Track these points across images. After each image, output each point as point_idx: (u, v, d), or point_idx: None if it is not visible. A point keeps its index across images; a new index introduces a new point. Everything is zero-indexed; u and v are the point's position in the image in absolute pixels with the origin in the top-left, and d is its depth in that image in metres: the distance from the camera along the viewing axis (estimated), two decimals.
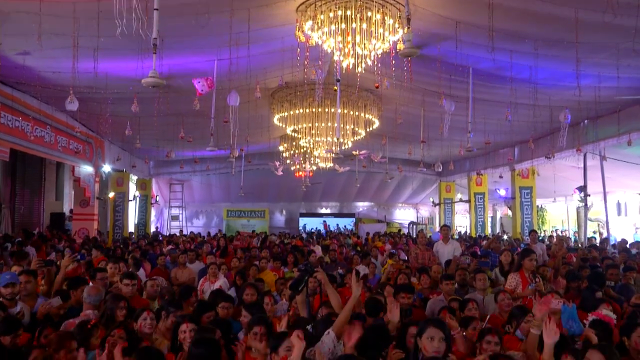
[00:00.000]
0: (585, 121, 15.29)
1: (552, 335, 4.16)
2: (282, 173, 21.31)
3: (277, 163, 21.03)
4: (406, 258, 13.43)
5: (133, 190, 24.51)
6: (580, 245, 17.45)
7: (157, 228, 28.88)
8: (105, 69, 10.85)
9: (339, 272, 10.05)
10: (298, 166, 21.06)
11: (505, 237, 23.04)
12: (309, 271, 5.53)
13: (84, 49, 9.53)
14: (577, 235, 22.91)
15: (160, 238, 22.02)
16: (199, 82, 10.83)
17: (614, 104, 13.36)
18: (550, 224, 28.92)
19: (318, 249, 15.27)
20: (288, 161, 20.93)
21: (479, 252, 13.41)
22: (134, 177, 24.54)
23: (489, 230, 25.59)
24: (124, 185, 22.94)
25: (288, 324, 5.06)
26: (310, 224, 32.64)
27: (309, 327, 5.06)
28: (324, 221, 32.73)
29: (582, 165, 17.32)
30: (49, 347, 4.46)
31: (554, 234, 23.83)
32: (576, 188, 18.38)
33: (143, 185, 25.88)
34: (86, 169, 18.68)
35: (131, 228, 24.05)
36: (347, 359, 3.81)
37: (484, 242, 16.18)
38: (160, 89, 10.96)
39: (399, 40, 8.02)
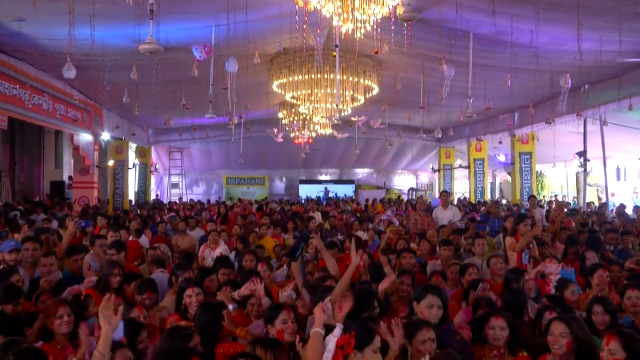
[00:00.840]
0: (586, 86, 15.19)
1: None
2: (281, 140, 21.27)
3: (276, 130, 20.96)
4: (397, 223, 13.49)
5: (132, 158, 24.47)
6: (579, 210, 17.52)
7: (157, 196, 28.94)
8: (102, 36, 10.73)
9: (338, 239, 10.11)
10: (297, 133, 21.01)
11: (503, 201, 23.13)
12: (304, 238, 5.56)
13: (79, 15, 9.40)
14: (575, 200, 22.98)
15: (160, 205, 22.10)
16: (197, 49, 10.74)
17: (615, 68, 13.26)
18: (549, 189, 28.96)
19: (318, 216, 15.33)
20: (287, 128, 20.87)
21: (477, 219, 13.48)
22: (133, 145, 24.48)
23: (488, 196, 25.64)
24: (123, 153, 22.90)
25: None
26: (310, 190, 32.70)
27: None
28: (325, 188, 32.78)
29: (582, 131, 17.28)
30: (44, 314, 4.47)
31: (553, 200, 23.88)
32: (576, 153, 18.36)
33: (142, 153, 25.84)
34: (85, 137, 18.63)
35: (131, 196, 24.10)
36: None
37: (483, 208, 16.24)
38: (157, 56, 10.86)
39: (398, 4, 7.91)
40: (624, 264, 7.09)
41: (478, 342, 4.32)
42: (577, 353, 3.87)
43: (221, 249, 9.17)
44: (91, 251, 7.14)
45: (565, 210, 15.69)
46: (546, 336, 3.97)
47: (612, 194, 20.54)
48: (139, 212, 16.75)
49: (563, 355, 3.87)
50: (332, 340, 3.37)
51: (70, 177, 21.89)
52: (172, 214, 15.89)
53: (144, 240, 10.41)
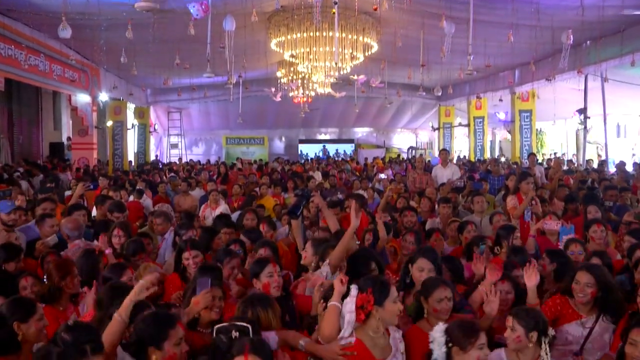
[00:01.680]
0: (588, 42, 15.02)
1: (533, 279, 4.12)
2: (279, 99, 21.14)
3: (274, 89, 20.81)
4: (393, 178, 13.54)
5: (131, 119, 24.37)
6: (578, 168, 17.55)
7: (156, 156, 28.92)
8: None
9: (338, 197, 10.14)
10: (296, 92, 20.87)
11: (503, 159, 23.13)
12: (305, 196, 5.58)
13: None
14: (575, 157, 23.00)
15: (161, 166, 22.14)
16: (194, 7, 10.58)
17: (617, 23, 13.08)
18: (549, 147, 28.94)
19: (318, 175, 15.36)
20: (286, 87, 20.72)
21: (476, 177, 13.50)
22: (131, 106, 24.35)
23: (487, 155, 25.63)
24: (121, 113, 22.79)
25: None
26: (310, 150, 32.68)
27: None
28: (324, 146, 32.71)
29: (583, 88, 17.17)
30: (52, 276, 4.46)
31: (553, 157, 23.89)
32: (576, 110, 18.30)
33: (141, 114, 25.73)
34: (83, 97, 18.52)
35: (131, 157, 24.09)
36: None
37: (482, 166, 16.28)
38: (154, 14, 10.71)
39: None
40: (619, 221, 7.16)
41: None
42: (599, 300, 4.09)
43: (222, 208, 9.22)
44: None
45: (565, 167, 15.73)
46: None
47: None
48: (140, 173, 16.77)
49: (587, 303, 4.09)
50: (350, 302, 3.35)
51: (69, 138, 21.85)
52: (172, 174, 15.92)
53: (148, 202, 10.47)
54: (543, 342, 3.44)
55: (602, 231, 6.05)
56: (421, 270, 4.25)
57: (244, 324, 3.16)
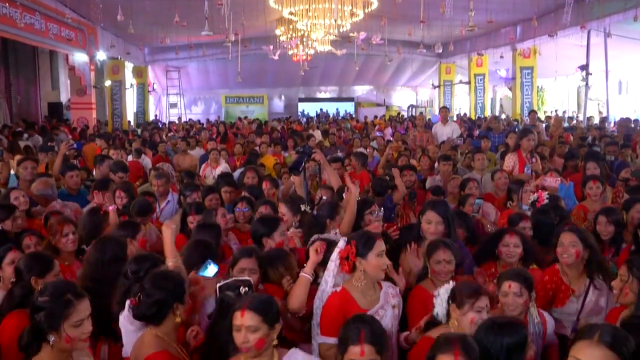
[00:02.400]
0: None
1: None
2: (277, 57, 20.93)
3: (272, 47, 20.57)
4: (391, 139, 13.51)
5: (129, 79, 24.18)
6: (579, 125, 17.50)
7: (155, 116, 28.81)
8: None
9: (338, 156, 10.15)
10: (296, 50, 20.65)
11: (503, 116, 23.04)
12: (307, 153, 5.56)
13: None
14: (574, 114, 22.92)
15: (160, 126, 22.09)
16: None
17: None
18: (550, 104, 28.80)
19: (317, 134, 15.33)
20: (285, 45, 20.49)
21: (475, 135, 13.48)
22: (129, 65, 24.12)
23: (488, 112, 25.53)
24: (119, 73, 22.61)
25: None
26: (310, 108, 32.53)
27: (308, 208, 5.13)
28: (321, 109, 32.48)
29: (585, 43, 16.98)
30: (51, 232, 4.53)
31: (554, 115, 23.81)
32: (578, 67, 18.14)
33: (139, 73, 25.51)
34: (80, 57, 18.34)
35: (130, 117, 23.98)
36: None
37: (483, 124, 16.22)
38: None
39: None
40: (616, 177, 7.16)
41: (491, 259, 4.40)
42: (586, 262, 4.03)
43: (222, 167, 9.23)
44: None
45: (565, 125, 15.69)
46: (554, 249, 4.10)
47: None
48: (139, 132, 16.72)
49: (572, 264, 4.01)
50: (336, 253, 3.46)
51: (69, 100, 21.75)
52: (172, 133, 15.89)
53: (147, 161, 10.47)
54: (532, 299, 3.47)
55: (597, 187, 6.02)
56: (429, 222, 4.27)
57: (246, 278, 3.20)
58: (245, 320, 2.72)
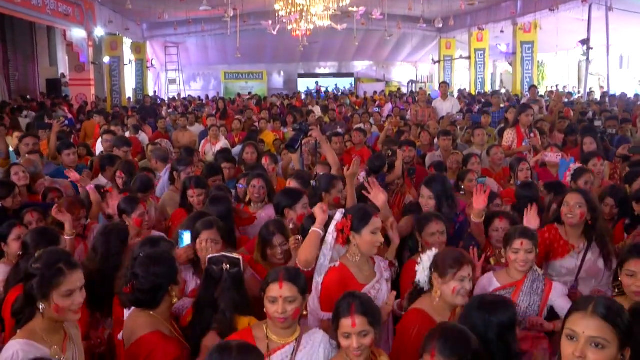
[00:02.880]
0: None
1: (532, 223, 3.92)
2: (276, 33, 20.78)
3: (271, 22, 20.41)
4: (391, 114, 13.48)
5: (128, 55, 24.04)
6: (579, 100, 17.45)
7: (154, 92, 28.69)
8: None
9: (339, 132, 10.14)
10: (295, 25, 20.49)
11: (502, 91, 22.96)
12: (304, 130, 5.57)
13: None
14: (575, 90, 22.84)
15: (159, 102, 22.02)
16: None
17: None
18: (550, 79, 28.67)
19: (317, 110, 15.29)
20: (284, 20, 20.32)
21: (475, 111, 13.45)
22: (127, 41, 23.97)
23: (488, 87, 25.42)
24: (118, 49, 22.47)
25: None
26: (309, 84, 32.38)
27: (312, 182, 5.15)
28: (317, 82, 32.25)
29: (587, 17, 16.86)
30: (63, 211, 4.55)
31: (554, 90, 23.73)
32: (579, 41, 18.02)
33: (138, 49, 25.35)
34: (78, 32, 18.22)
35: (129, 93, 23.90)
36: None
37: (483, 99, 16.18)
38: None
39: None
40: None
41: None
42: (588, 226, 4.08)
43: (222, 143, 9.21)
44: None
45: (565, 100, 15.63)
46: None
47: None
48: (138, 110, 16.67)
49: (575, 225, 4.07)
50: (332, 224, 3.49)
51: (62, 75, 21.64)
52: (171, 110, 15.85)
53: (143, 137, 10.46)
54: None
55: (601, 164, 6.05)
56: (422, 197, 4.36)
57: (235, 256, 3.21)
58: (283, 292, 2.77)
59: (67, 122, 8.89)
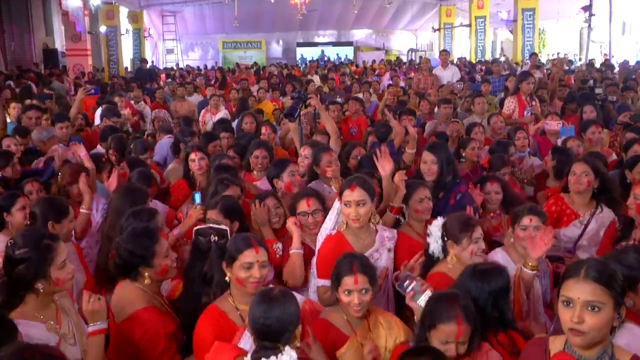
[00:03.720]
0: None
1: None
2: (274, 1, 20.54)
3: None
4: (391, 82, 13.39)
5: (125, 24, 23.78)
6: (580, 67, 17.32)
7: (152, 62, 28.46)
8: None
9: (338, 101, 10.09)
10: None
11: (502, 58, 22.78)
12: (302, 98, 5.55)
13: None
14: (576, 57, 22.66)
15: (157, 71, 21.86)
16: None
17: None
18: (551, 47, 28.43)
19: (316, 79, 15.19)
20: None
21: (478, 79, 13.35)
22: (124, 10, 23.69)
23: (489, 55, 25.22)
24: (114, 18, 22.21)
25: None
26: (308, 53, 32.13)
27: None
28: (322, 51, 32.02)
29: None
30: (62, 179, 4.58)
31: (556, 58, 23.55)
32: (581, 8, 17.84)
33: (134, 18, 25.03)
34: (73, 1, 18.00)
35: (126, 63, 23.71)
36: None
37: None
38: None
39: None
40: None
41: None
42: (595, 194, 4.20)
43: (222, 113, 9.19)
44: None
45: (566, 67, 15.51)
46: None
47: None
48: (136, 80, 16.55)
49: (582, 192, 4.17)
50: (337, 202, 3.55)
51: (62, 53, 21.47)
52: (169, 79, 15.75)
53: (147, 110, 10.44)
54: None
55: (599, 132, 6.03)
56: (425, 162, 4.33)
57: (222, 227, 3.19)
58: (259, 256, 2.83)
59: (93, 90, 8.82)
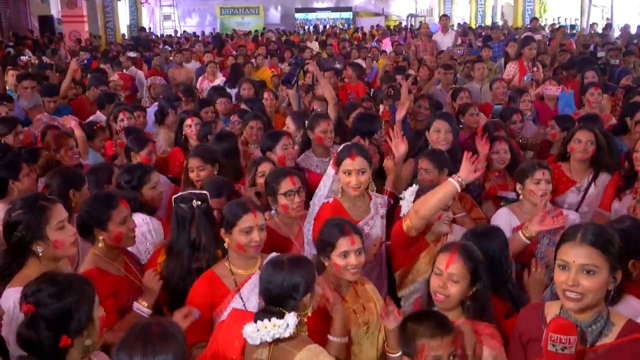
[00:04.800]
0: None
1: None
2: None
3: None
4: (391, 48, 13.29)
5: None
6: (582, 32, 17.16)
7: (149, 29, 28.16)
8: None
9: (337, 67, 10.03)
10: None
11: (500, 22, 22.56)
12: (299, 64, 5.52)
13: None
14: (577, 22, 22.43)
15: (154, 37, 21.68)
16: None
17: None
18: (552, 12, 28.08)
19: (315, 45, 15.06)
20: None
21: (479, 45, 13.23)
22: None
23: (489, 20, 24.96)
24: None
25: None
26: (306, 19, 31.79)
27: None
28: (316, 18, 31.51)
29: None
30: (49, 147, 4.61)
31: (557, 24, 23.29)
32: None
33: None
34: None
35: (123, 30, 23.45)
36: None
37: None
38: None
39: None
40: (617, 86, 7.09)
41: None
42: (595, 161, 4.21)
43: (219, 80, 9.16)
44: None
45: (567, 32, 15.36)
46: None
47: None
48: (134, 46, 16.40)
49: (585, 160, 4.18)
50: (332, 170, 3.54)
51: (58, 20, 21.19)
52: (166, 46, 15.61)
53: (138, 74, 10.37)
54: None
55: (599, 94, 5.97)
56: (438, 130, 4.30)
57: (202, 192, 3.18)
58: (258, 220, 2.88)
59: (86, 61, 8.78)
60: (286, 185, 3.42)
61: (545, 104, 6.72)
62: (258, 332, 2.26)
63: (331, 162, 3.55)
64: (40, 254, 2.65)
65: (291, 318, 2.27)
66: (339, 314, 2.62)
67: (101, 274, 2.86)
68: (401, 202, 3.40)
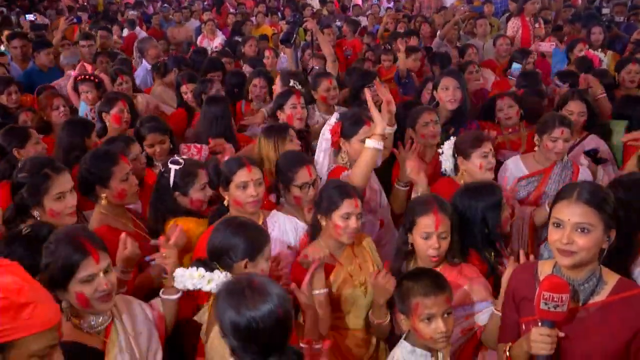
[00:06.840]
0: None
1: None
2: None
3: None
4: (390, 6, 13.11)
5: None
6: None
7: None
8: None
9: (337, 25, 9.90)
10: None
11: None
12: (298, 22, 5.46)
13: None
14: None
15: None
16: None
17: None
18: None
19: (315, 2, 14.82)
20: None
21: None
22: None
23: None
24: None
25: None
26: None
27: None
28: None
29: None
30: (40, 108, 4.63)
31: None
32: None
33: None
34: None
35: None
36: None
37: None
38: None
39: None
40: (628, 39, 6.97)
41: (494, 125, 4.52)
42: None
43: (219, 39, 9.09)
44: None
45: None
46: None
47: None
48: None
49: (578, 130, 4.16)
50: (326, 129, 3.52)
51: None
52: (165, 4, 15.34)
53: (141, 34, 10.23)
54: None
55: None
56: (446, 88, 4.22)
57: (178, 158, 3.15)
58: (253, 174, 2.91)
59: (75, 20, 8.70)
60: (303, 176, 3.08)
61: (545, 60, 6.65)
62: (182, 277, 2.32)
63: (328, 130, 3.51)
64: (37, 219, 2.68)
65: (218, 275, 2.30)
66: (310, 318, 2.54)
67: (112, 231, 2.86)
68: (440, 157, 3.50)
